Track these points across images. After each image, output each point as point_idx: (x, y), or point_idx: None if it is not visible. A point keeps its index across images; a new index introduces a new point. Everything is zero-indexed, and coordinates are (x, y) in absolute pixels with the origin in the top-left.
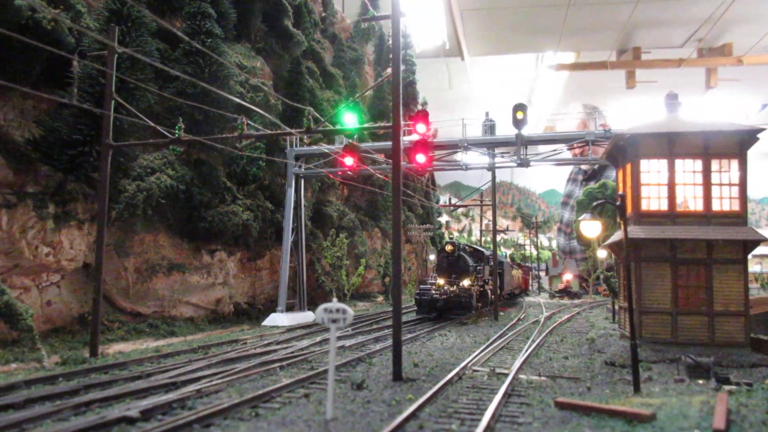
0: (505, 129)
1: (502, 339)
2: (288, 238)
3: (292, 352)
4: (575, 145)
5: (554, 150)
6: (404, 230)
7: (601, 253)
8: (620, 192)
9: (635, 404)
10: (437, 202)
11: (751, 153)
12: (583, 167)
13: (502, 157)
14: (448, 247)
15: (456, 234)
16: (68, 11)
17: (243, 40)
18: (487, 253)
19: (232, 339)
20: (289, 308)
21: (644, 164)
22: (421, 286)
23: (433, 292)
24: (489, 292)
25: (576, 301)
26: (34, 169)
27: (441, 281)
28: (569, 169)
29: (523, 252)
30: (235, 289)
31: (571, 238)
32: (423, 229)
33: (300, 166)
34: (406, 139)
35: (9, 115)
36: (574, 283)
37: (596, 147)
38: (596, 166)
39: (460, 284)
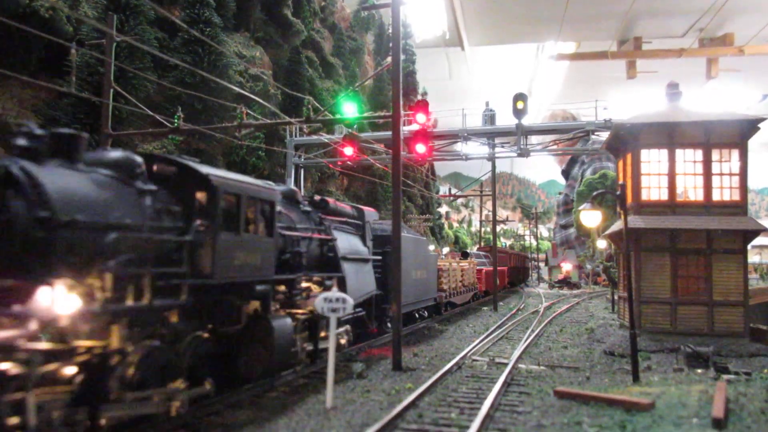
0: (505, 119)
1: (502, 329)
2: None
3: None
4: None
5: (555, 139)
6: (404, 220)
7: (601, 243)
8: (620, 182)
9: (634, 393)
10: (437, 192)
11: (752, 143)
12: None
13: (502, 147)
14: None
15: (456, 225)
16: None
17: (242, 29)
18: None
19: None
20: None
21: (644, 154)
22: None
23: None
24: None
25: (575, 291)
26: None
27: None
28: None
29: (522, 242)
30: None
31: (568, 223)
32: (423, 219)
33: (300, 156)
34: (406, 129)
35: (7, 105)
36: (573, 274)
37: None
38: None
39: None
